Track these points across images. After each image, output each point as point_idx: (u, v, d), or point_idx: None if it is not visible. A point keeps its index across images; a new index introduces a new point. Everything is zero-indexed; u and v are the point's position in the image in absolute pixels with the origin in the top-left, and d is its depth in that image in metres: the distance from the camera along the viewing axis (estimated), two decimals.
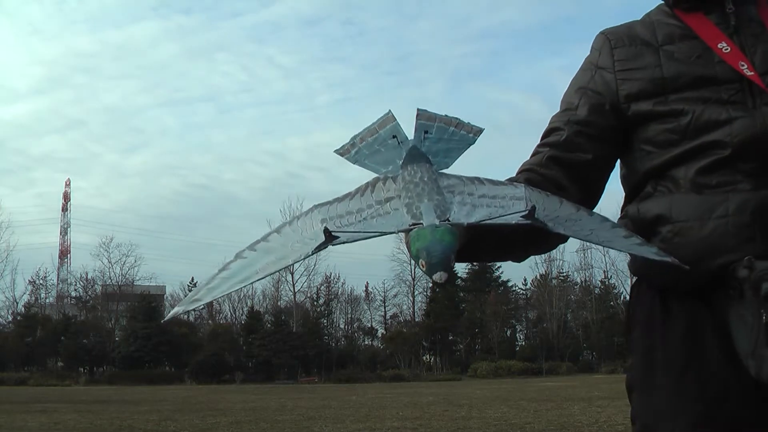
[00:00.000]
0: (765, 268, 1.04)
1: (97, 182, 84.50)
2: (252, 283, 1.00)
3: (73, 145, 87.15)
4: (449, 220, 0.91)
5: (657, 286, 1.18)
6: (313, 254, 0.94)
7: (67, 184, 65.50)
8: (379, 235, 0.95)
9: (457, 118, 1.17)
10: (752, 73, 1.14)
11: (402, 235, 0.94)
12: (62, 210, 63.96)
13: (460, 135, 1.15)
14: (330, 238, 0.93)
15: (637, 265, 1.22)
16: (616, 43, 1.26)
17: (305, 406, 17.43)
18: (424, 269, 0.88)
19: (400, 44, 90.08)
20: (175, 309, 1.02)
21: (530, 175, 1.21)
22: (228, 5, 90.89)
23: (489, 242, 1.14)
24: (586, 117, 1.24)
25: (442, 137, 1.14)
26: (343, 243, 0.95)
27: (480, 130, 1.17)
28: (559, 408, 14.45)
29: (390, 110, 1.19)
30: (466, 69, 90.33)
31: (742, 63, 1.15)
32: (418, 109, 1.15)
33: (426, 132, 1.13)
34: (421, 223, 0.90)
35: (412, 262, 1.08)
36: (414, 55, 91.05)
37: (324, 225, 0.96)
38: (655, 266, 1.13)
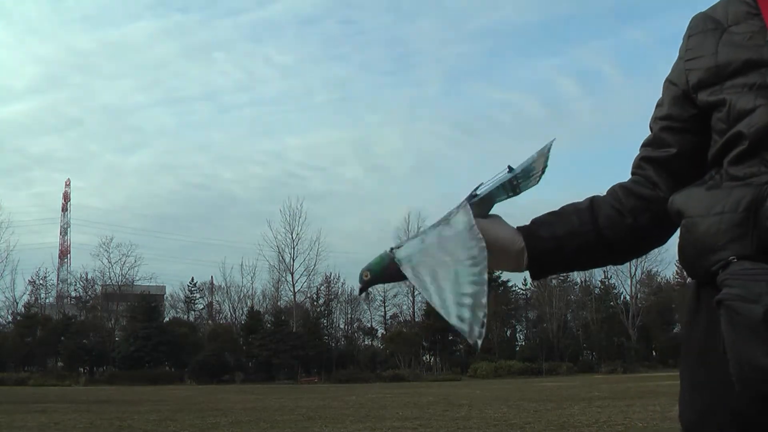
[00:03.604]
0: (733, 271, 1.02)
1: (96, 182, 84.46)
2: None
3: (71, 144, 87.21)
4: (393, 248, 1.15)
5: (689, 276, 1.19)
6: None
7: (67, 184, 65.59)
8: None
9: (537, 158, 1.28)
10: None
11: None
12: (62, 210, 64.05)
13: (530, 159, 1.27)
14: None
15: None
16: (692, 29, 1.24)
17: (305, 406, 17.43)
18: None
19: (398, 43, 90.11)
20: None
21: (616, 186, 1.28)
22: (225, 4, 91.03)
23: (571, 253, 1.23)
24: (669, 110, 1.24)
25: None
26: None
27: (545, 150, 1.28)
28: (559, 408, 14.45)
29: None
30: (465, 68, 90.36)
31: None
32: (509, 167, 1.26)
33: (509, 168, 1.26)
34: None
35: None
36: (412, 54, 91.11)
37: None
38: (680, 257, 1.15)
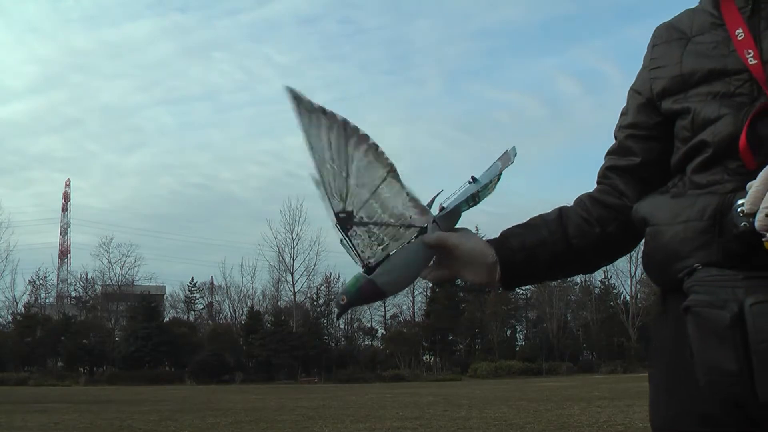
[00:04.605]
0: (699, 278, 1.02)
1: (96, 182, 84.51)
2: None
3: (70, 144, 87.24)
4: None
5: (654, 283, 1.20)
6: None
7: (67, 185, 65.59)
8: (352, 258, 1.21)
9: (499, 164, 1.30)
10: (756, 62, 1.07)
11: None
12: (62, 210, 64.04)
13: (494, 169, 1.29)
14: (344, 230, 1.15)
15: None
16: (656, 39, 1.25)
17: (305, 406, 17.43)
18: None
19: (398, 43, 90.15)
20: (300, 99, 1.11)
21: (584, 196, 1.30)
22: (224, 3, 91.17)
23: (541, 263, 1.24)
24: (633, 119, 1.25)
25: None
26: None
27: (510, 159, 1.30)
28: (559, 408, 14.45)
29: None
30: (465, 68, 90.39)
31: (749, 50, 1.08)
32: (472, 178, 1.27)
33: (472, 179, 1.27)
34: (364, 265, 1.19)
35: None
36: (412, 53, 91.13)
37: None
38: (645, 265, 1.17)
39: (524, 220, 1.29)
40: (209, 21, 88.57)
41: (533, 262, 1.23)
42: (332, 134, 1.09)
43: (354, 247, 1.14)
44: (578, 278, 56.07)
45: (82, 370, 48.32)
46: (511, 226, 1.27)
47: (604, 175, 1.29)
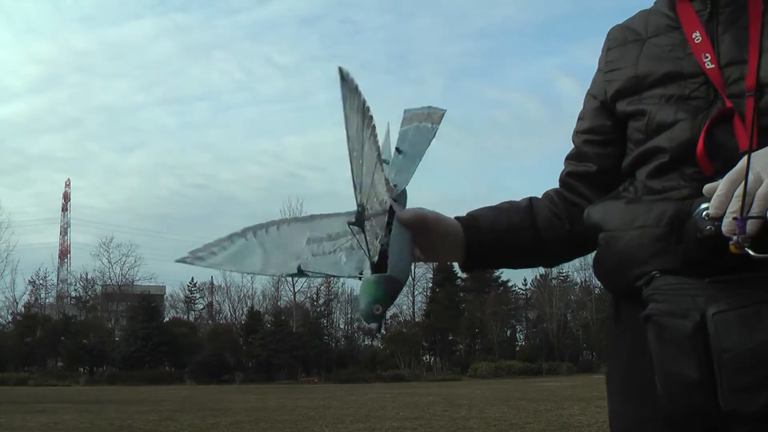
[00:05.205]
0: (658, 286, 1.00)
1: (95, 182, 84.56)
2: (243, 273, 1.13)
3: (70, 144, 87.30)
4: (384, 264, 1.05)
5: (606, 289, 1.18)
6: (283, 278, 1.07)
7: (67, 185, 65.59)
8: (339, 277, 1.13)
9: (426, 108, 1.23)
10: (713, 66, 1.06)
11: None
12: (62, 210, 64.05)
13: (426, 130, 1.20)
14: (301, 274, 1.10)
15: (593, 268, 1.19)
16: (611, 42, 1.24)
17: (305, 406, 17.43)
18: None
19: (398, 43, 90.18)
20: (181, 258, 1.11)
21: (552, 192, 1.29)
22: (225, 3, 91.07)
23: (498, 253, 1.22)
24: (590, 124, 1.25)
25: (409, 141, 1.20)
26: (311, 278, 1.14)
27: (441, 115, 1.21)
28: (559, 408, 14.45)
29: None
30: (465, 67, 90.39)
31: (706, 54, 1.06)
32: (405, 111, 1.22)
33: (398, 149, 1.19)
34: (360, 275, 1.07)
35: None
36: (412, 53, 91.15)
37: (298, 261, 1.11)
38: (597, 271, 1.15)
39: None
40: (209, 21, 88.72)
41: (500, 247, 1.21)
42: (359, 116, 0.99)
43: (367, 243, 1.06)
44: (578, 278, 56.24)
45: (82, 370, 48.32)
46: (480, 207, 1.24)
47: (565, 182, 1.28)
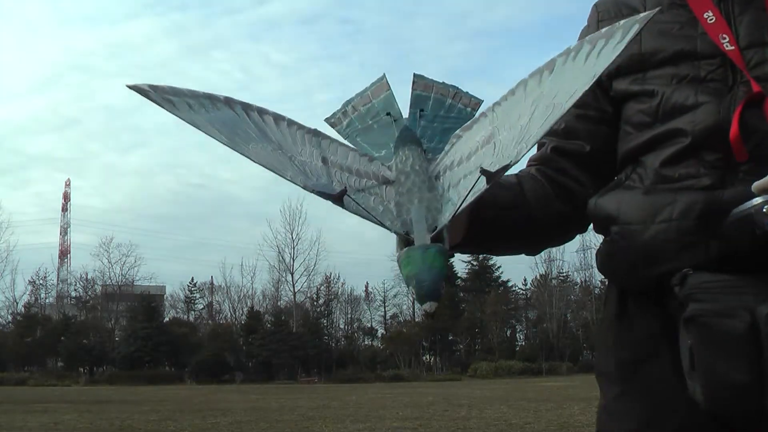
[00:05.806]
0: (696, 284, 0.94)
1: (95, 181, 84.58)
2: (231, 149, 0.91)
3: (70, 144, 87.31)
4: (442, 231, 0.84)
5: (616, 285, 1.11)
6: (313, 194, 0.85)
7: (67, 185, 65.52)
8: (379, 224, 0.86)
9: (455, 88, 1.14)
10: (732, 47, 0.99)
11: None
12: (62, 210, 63.99)
13: (457, 110, 1.11)
14: (340, 201, 0.84)
15: (598, 262, 1.12)
16: (603, 14, 1.16)
17: (305, 406, 17.43)
18: (414, 296, 0.84)
19: (397, 42, 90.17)
20: (148, 91, 0.88)
21: (532, 170, 1.17)
22: (224, 2, 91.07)
23: (493, 233, 1.11)
24: (583, 98, 1.12)
25: (438, 113, 1.10)
26: (344, 209, 0.85)
27: (479, 102, 1.13)
28: (559, 408, 14.45)
29: (384, 75, 1.15)
30: (465, 67, 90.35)
31: (724, 36, 1.00)
32: (414, 75, 1.12)
33: (422, 110, 1.09)
34: (412, 239, 0.83)
35: None
36: (412, 53, 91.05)
37: (330, 175, 0.90)
38: (606, 266, 1.08)
39: None
40: (209, 20, 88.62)
41: (497, 225, 1.09)
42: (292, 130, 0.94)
43: (367, 210, 0.86)
44: (578, 278, 56.23)
45: (82, 370, 48.31)
46: None
47: (549, 157, 1.16)
